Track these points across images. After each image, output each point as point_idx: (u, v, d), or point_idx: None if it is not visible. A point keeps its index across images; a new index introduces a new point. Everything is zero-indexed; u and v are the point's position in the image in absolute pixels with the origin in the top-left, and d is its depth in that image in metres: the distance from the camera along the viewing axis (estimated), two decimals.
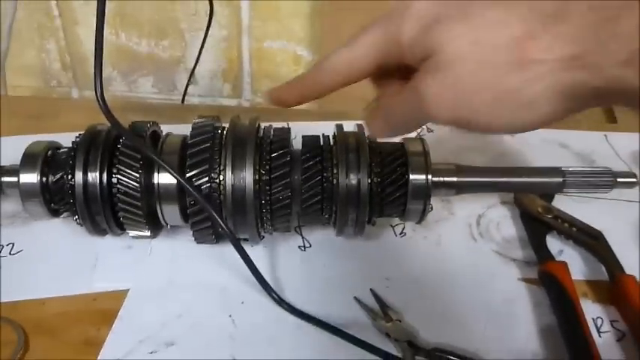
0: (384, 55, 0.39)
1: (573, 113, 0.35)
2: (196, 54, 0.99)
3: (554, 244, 0.64)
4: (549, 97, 0.34)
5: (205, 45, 0.98)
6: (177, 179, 0.55)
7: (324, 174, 0.57)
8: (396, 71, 0.43)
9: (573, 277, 0.58)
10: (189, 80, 1.02)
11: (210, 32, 0.96)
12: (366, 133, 0.57)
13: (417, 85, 0.37)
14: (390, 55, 0.38)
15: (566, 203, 0.68)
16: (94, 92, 0.54)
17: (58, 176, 0.58)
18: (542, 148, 0.80)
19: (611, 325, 0.56)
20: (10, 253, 0.62)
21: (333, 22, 0.94)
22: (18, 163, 0.59)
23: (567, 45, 0.32)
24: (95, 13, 0.94)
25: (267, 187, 0.56)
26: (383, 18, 0.39)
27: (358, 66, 0.41)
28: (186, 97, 1.05)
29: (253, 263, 0.56)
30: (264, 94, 0.55)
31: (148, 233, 0.59)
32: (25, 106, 0.88)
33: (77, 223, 0.60)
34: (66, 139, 0.62)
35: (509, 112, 0.35)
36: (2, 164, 0.61)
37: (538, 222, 0.66)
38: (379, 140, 0.60)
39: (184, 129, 0.62)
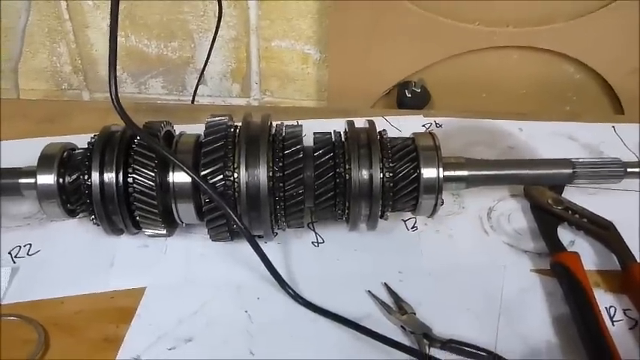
0: None
1: None
2: (205, 55, 1.00)
3: (565, 235, 0.65)
4: None
5: (214, 45, 0.98)
6: (192, 177, 0.56)
7: (337, 170, 0.58)
8: None
9: (585, 268, 0.58)
10: (198, 81, 1.03)
11: (218, 33, 0.97)
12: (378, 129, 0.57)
13: None
14: None
15: (576, 195, 0.68)
16: (109, 94, 0.55)
17: (74, 177, 0.59)
18: (551, 140, 0.80)
19: (624, 313, 0.57)
20: (27, 254, 0.63)
21: (340, 21, 0.95)
22: (33, 165, 0.60)
23: None
24: (105, 16, 0.96)
25: (281, 184, 0.57)
26: None
27: None
28: (195, 98, 1.06)
29: (269, 259, 0.57)
30: None
31: (163, 232, 0.60)
32: (38, 109, 0.89)
33: (94, 223, 0.60)
34: (78, 141, 0.63)
35: None
36: (17, 167, 0.62)
37: (549, 214, 0.66)
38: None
39: (195, 128, 0.63)
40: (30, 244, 0.64)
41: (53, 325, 0.55)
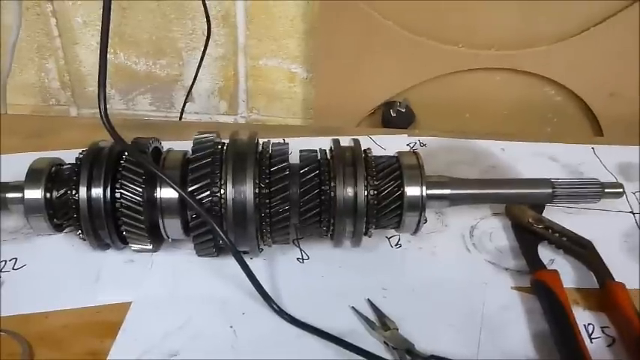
0: None
1: None
2: (193, 72, 1.01)
3: (545, 253, 0.66)
4: None
5: (202, 63, 0.99)
6: (180, 193, 0.56)
7: (322, 187, 0.59)
8: None
9: (564, 285, 0.59)
10: (186, 98, 1.04)
11: (207, 51, 0.98)
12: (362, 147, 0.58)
13: None
14: None
15: (557, 214, 0.69)
16: (98, 110, 0.56)
17: (61, 192, 0.59)
18: (532, 161, 0.82)
19: (602, 331, 0.58)
20: (13, 268, 0.63)
21: (327, 41, 0.96)
22: (19, 180, 0.60)
23: None
24: (94, 33, 0.96)
25: (267, 201, 0.57)
26: None
27: None
28: (183, 115, 1.07)
29: (254, 275, 0.58)
30: None
31: (150, 247, 0.61)
32: (25, 125, 0.89)
33: (80, 238, 0.61)
34: (67, 156, 0.64)
35: None
36: (4, 181, 0.62)
37: (529, 232, 0.67)
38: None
39: (182, 145, 0.63)
40: (15, 259, 0.64)
41: (38, 339, 0.55)
